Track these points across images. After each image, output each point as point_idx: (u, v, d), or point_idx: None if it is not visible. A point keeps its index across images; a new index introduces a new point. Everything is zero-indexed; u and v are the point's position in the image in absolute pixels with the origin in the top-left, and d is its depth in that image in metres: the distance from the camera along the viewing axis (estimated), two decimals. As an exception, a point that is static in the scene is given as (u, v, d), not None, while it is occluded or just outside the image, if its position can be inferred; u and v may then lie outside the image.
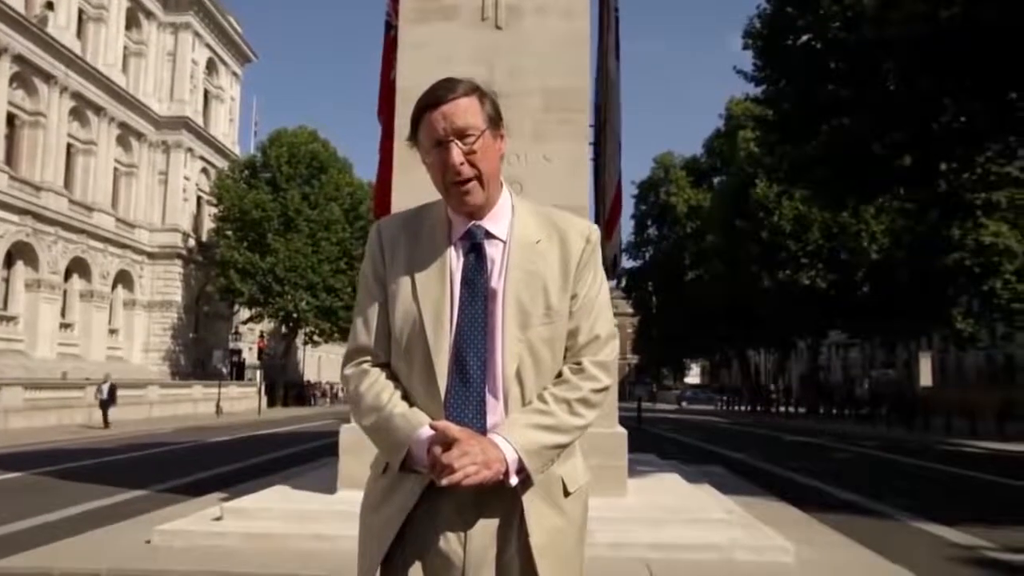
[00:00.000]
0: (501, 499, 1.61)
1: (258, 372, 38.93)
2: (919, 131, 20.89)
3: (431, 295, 1.67)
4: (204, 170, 48.07)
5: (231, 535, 5.96)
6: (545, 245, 1.71)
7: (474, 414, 1.62)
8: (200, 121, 46.81)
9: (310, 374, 60.27)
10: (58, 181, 35.43)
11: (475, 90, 1.68)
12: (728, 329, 47.71)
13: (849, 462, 15.86)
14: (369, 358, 1.74)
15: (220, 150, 49.52)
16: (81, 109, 37.59)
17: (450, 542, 1.62)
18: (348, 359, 1.77)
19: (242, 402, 36.44)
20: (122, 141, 41.45)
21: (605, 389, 1.71)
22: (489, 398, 1.63)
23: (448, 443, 1.52)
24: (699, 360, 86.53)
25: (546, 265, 1.69)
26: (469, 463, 1.49)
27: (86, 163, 38.35)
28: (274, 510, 6.42)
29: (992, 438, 21.69)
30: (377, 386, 1.69)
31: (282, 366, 47.78)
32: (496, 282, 1.67)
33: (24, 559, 5.50)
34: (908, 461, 15.90)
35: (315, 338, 46.55)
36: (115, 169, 41.13)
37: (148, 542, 5.96)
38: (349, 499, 6.47)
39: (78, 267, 37.49)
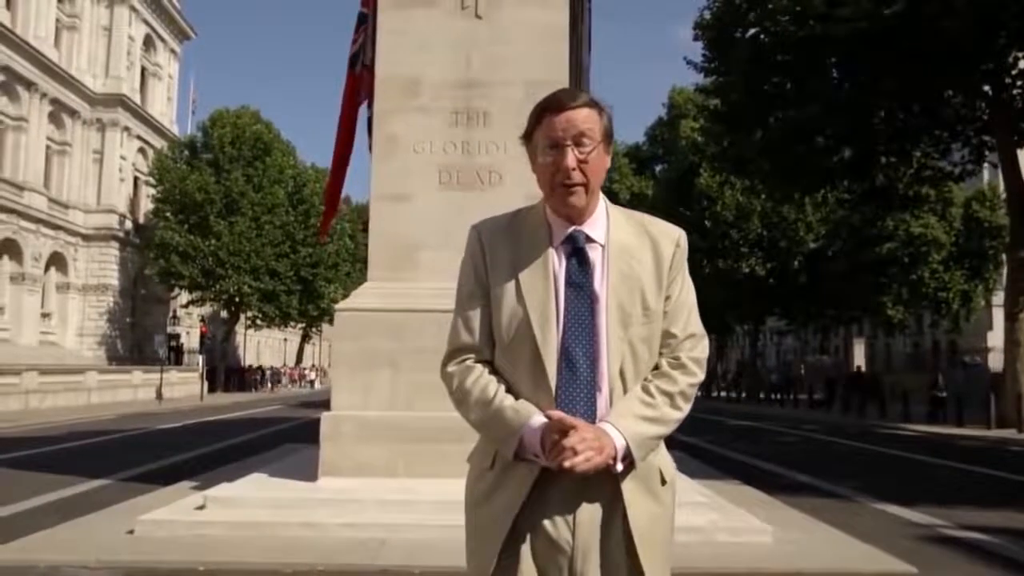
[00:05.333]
0: (604, 488, 1.71)
1: (200, 357, 38.09)
2: (859, 125, 21.55)
3: (536, 295, 1.75)
4: (141, 150, 46.66)
5: (216, 524, 5.92)
6: (639, 249, 1.80)
7: (584, 407, 1.71)
8: (137, 99, 45.40)
9: (250, 359, 59.32)
10: (-15, 159, 34.09)
11: (595, 104, 1.76)
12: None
13: (797, 446, 16.40)
14: (472, 355, 1.81)
15: (158, 129, 48.12)
16: (10, 84, 36.14)
17: (559, 529, 1.71)
18: (450, 358, 1.85)
19: (183, 387, 35.61)
20: (54, 118, 39.98)
21: (699, 383, 1.83)
22: (596, 393, 1.73)
23: (564, 430, 1.61)
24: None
25: (642, 268, 1.79)
26: (587, 448, 1.60)
27: (16, 140, 36.89)
28: (258, 498, 6.40)
29: (923, 421, 22.62)
30: (483, 380, 1.78)
31: (223, 351, 46.90)
32: (599, 285, 1.76)
33: (6, 552, 5.38)
34: (853, 444, 16.51)
35: (258, 322, 45.83)
36: (47, 147, 39.67)
37: (131, 532, 5.88)
38: (333, 487, 6.53)
39: (8, 248, 36.14)
